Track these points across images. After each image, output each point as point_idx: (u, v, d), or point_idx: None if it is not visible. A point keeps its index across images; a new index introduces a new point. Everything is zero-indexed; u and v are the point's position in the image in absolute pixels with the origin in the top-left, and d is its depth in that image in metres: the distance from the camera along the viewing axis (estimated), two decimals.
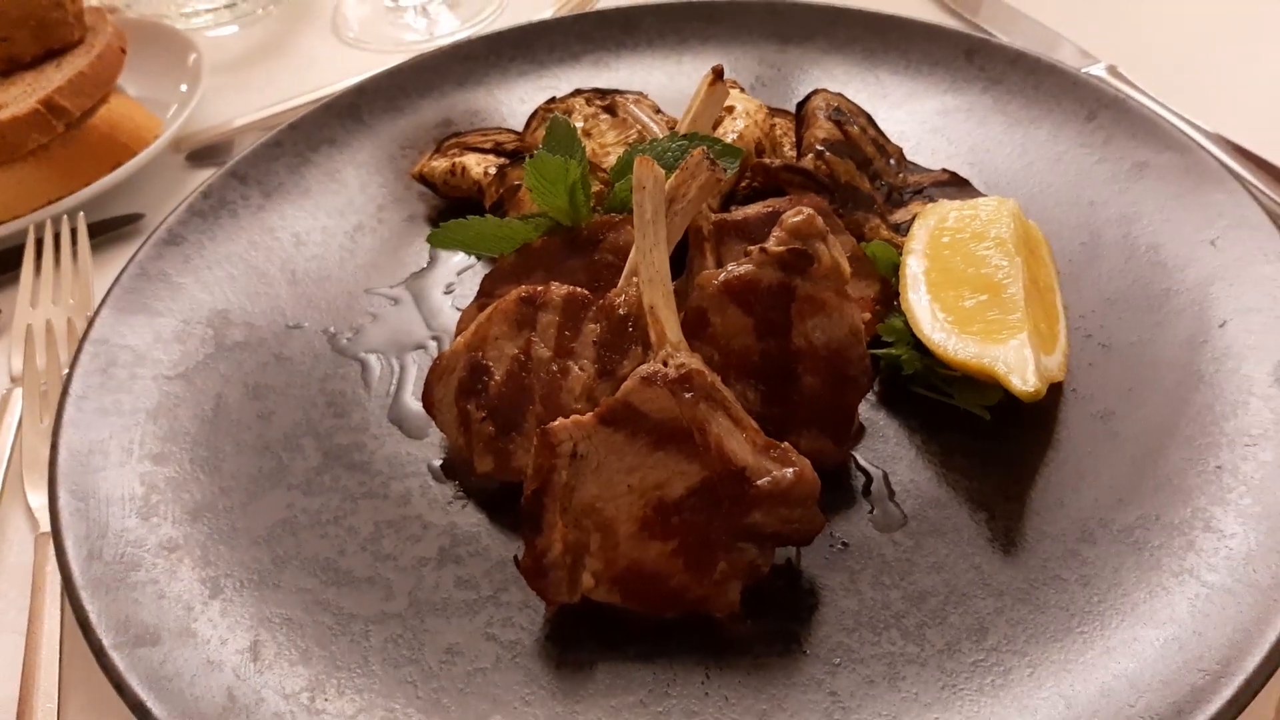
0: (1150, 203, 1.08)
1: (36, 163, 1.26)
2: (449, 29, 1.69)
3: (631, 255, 0.90)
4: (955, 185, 1.14)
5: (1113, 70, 1.38)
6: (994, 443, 0.93)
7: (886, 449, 0.94)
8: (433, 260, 1.19)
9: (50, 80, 1.28)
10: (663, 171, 0.85)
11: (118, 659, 0.79)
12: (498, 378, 0.90)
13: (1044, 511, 0.88)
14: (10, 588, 0.95)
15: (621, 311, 0.88)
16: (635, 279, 0.88)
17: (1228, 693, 0.71)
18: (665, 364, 0.80)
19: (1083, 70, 1.29)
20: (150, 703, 0.76)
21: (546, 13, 1.60)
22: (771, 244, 0.86)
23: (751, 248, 0.87)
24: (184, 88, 1.44)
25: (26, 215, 1.26)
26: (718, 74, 0.99)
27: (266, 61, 1.66)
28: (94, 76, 1.29)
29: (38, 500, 0.99)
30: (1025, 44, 1.35)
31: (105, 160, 1.30)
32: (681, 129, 1.02)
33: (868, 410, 0.97)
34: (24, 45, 1.32)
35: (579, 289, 0.90)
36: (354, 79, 1.39)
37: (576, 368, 0.88)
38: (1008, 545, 0.86)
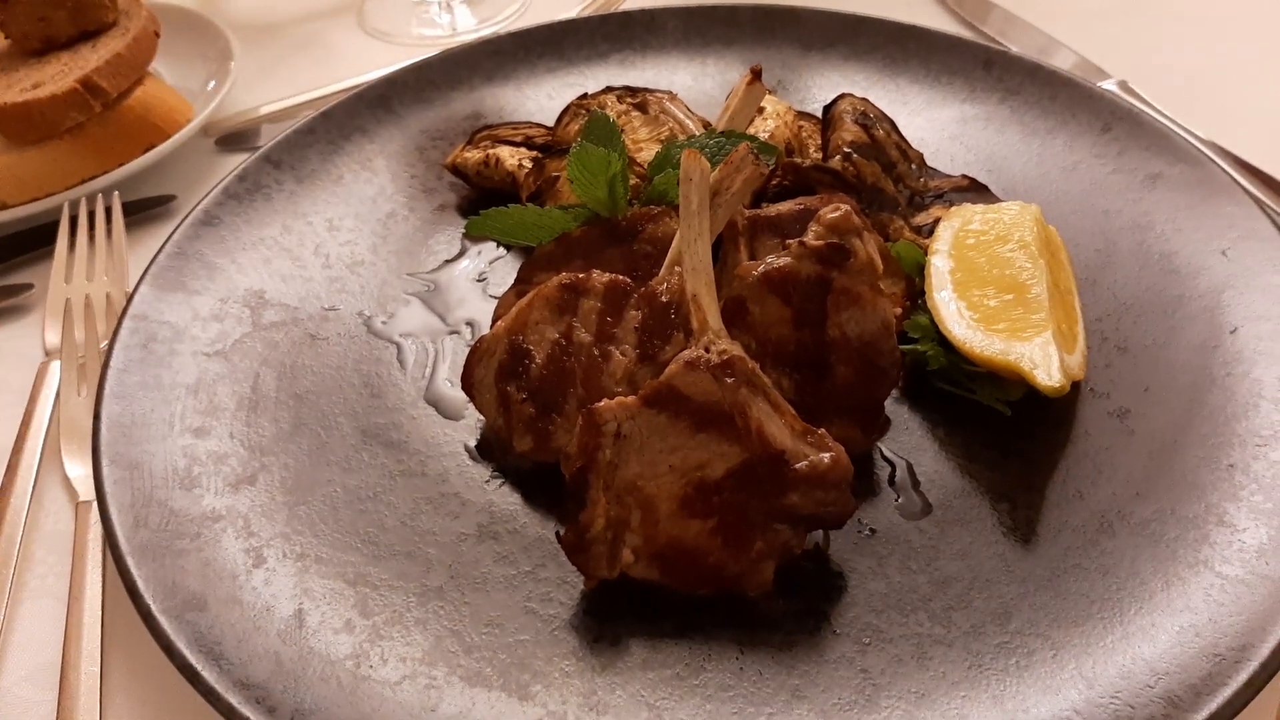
0: (1163, 213, 1.12)
1: (72, 141, 1.28)
2: (469, 26, 1.71)
3: (674, 244, 0.93)
4: (975, 191, 1.18)
5: (1124, 86, 1.42)
6: (1014, 437, 0.96)
7: (911, 440, 0.97)
8: (464, 249, 1.21)
9: (88, 61, 1.29)
10: (709, 165, 0.87)
11: (166, 624, 0.80)
12: (539, 360, 0.92)
13: (1063, 504, 0.91)
14: (49, 554, 0.96)
15: (664, 299, 0.90)
16: (677, 268, 0.91)
17: (1243, 677, 0.74)
18: (708, 350, 0.83)
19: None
20: (199, 666, 0.78)
21: (571, 12, 1.63)
22: (810, 238, 0.89)
23: (790, 241, 0.90)
24: (215, 72, 1.46)
25: (61, 193, 1.27)
26: (756, 74, 1.02)
27: (291, 50, 1.68)
28: (130, 58, 1.30)
29: (75, 470, 1.00)
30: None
31: (139, 141, 1.31)
32: (720, 126, 1.05)
33: (891, 404, 1.00)
34: (60, 26, 1.33)
35: (621, 277, 0.93)
36: (382, 70, 1.41)
37: (618, 352, 0.90)
38: (1029, 535, 0.89)
